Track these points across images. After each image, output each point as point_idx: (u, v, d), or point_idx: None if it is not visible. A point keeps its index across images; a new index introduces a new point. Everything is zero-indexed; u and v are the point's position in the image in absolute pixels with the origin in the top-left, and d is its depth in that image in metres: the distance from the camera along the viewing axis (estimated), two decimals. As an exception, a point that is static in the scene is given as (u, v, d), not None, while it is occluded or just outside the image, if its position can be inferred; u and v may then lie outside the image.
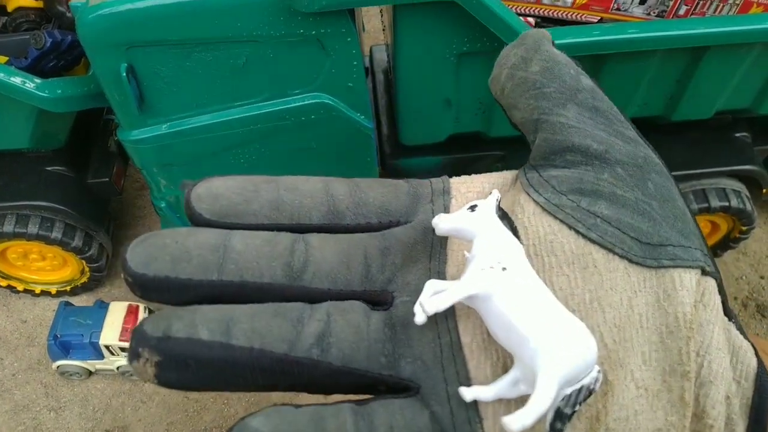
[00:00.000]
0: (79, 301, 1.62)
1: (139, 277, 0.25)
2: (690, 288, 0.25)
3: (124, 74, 0.99)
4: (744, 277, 1.66)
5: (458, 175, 0.30)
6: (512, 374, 0.23)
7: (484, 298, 0.23)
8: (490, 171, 0.31)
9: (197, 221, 0.27)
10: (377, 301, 0.26)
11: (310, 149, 1.19)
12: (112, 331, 1.41)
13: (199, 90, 1.05)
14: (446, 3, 0.91)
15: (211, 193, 0.27)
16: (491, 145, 1.31)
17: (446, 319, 0.25)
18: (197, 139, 1.13)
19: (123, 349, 1.41)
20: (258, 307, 0.25)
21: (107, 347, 1.40)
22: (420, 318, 0.24)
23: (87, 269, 1.55)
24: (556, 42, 0.31)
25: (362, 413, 0.23)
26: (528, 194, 0.27)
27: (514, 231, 0.26)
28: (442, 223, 0.26)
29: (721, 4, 1.08)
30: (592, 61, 1.06)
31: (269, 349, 0.23)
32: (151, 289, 0.25)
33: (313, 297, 0.26)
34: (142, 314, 1.45)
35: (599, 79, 1.13)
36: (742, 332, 0.26)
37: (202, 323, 0.24)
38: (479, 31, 0.97)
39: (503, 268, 0.23)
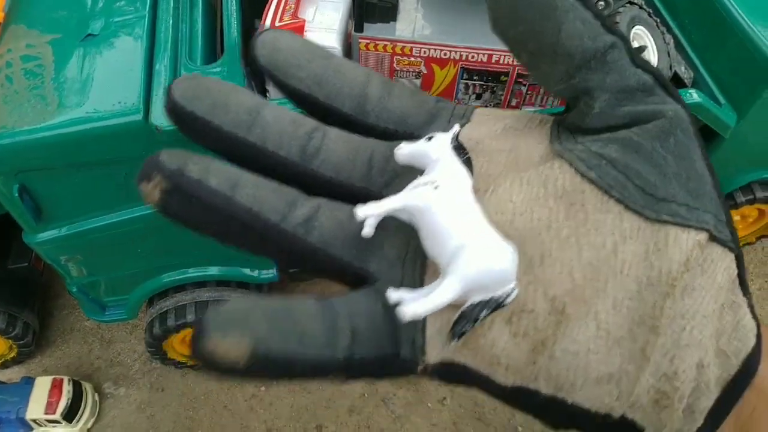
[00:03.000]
0: (11, 372, 1.72)
1: (179, 108, 0.27)
2: (684, 248, 0.24)
3: (17, 195, 1.12)
4: None
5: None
6: (437, 282, 0.24)
7: (413, 212, 0.25)
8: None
9: (252, 63, 0.30)
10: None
11: (200, 236, 1.32)
12: (38, 405, 1.53)
13: (88, 201, 1.18)
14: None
15: (274, 45, 0.29)
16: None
17: None
18: (96, 238, 1.26)
19: (50, 421, 1.53)
20: (263, 180, 0.27)
21: (34, 420, 1.52)
22: (358, 218, 0.26)
23: (14, 346, 1.66)
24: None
25: (323, 301, 0.25)
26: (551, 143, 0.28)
27: (467, 162, 0.26)
28: (399, 151, 0.27)
29: (546, 96, 1.24)
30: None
31: (264, 216, 0.26)
32: (184, 122, 0.28)
33: (317, 181, 0.28)
34: (66, 387, 1.56)
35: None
36: (753, 313, 0.26)
37: (214, 173, 0.26)
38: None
39: (435, 186, 0.25)
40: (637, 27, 1.21)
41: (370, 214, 0.25)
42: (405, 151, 0.27)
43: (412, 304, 0.23)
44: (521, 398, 0.26)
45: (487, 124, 0.29)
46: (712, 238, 0.25)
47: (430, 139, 0.26)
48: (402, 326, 0.25)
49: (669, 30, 1.32)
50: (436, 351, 0.25)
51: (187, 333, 1.54)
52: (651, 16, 1.24)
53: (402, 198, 0.25)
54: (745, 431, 0.26)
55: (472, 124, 0.29)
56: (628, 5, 1.19)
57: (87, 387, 1.63)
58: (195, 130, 0.28)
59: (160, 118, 1.00)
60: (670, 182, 0.25)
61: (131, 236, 1.28)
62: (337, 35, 1.14)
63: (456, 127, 0.27)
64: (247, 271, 1.45)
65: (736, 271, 0.26)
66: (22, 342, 1.64)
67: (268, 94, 1.25)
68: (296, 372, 0.24)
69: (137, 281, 1.44)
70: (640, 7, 1.23)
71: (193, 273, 1.43)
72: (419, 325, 0.25)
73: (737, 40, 1.20)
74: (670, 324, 0.24)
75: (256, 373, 0.23)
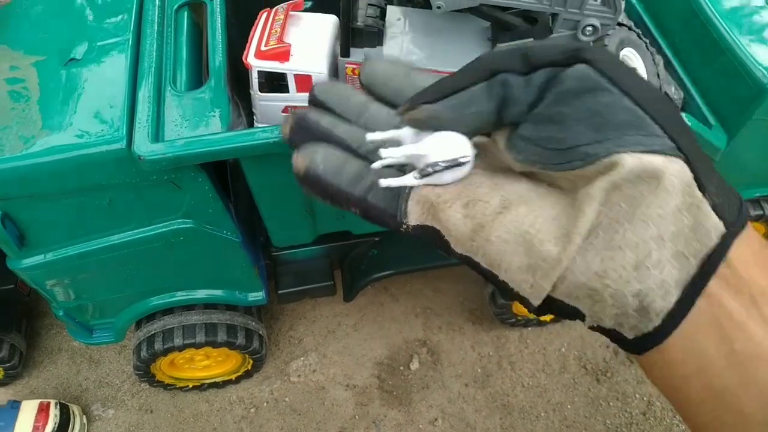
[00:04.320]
0: (-3, 394, 1.71)
1: (315, 98, 0.43)
2: (595, 175, 0.29)
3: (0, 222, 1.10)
4: None
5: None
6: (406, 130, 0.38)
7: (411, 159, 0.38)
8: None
9: (361, 81, 0.43)
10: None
11: (188, 261, 1.31)
12: (24, 430, 1.51)
13: (71, 228, 1.17)
14: (283, 154, 1.03)
15: (372, 71, 0.42)
16: (362, 236, 1.45)
17: None
18: (79, 264, 1.24)
19: (35, 447, 1.51)
20: (356, 160, 0.39)
21: (19, 446, 1.50)
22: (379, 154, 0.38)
23: (1, 368, 1.64)
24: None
25: (365, 163, 0.39)
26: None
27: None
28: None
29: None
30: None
31: (347, 143, 0.40)
32: (323, 98, 0.42)
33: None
34: (53, 410, 1.54)
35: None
36: (720, 212, 0.28)
37: (323, 119, 0.41)
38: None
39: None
40: (626, 49, 1.20)
41: (385, 156, 0.37)
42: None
43: (390, 150, 0.37)
44: (469, 264, 0.34)
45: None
46: (650, 152, 0.28)
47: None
48: (401, 196, 0.36)
49: (659, 50, 1.31)
50: (415, 217, 0.36)
51: (175, 356, 1.52)
52: (640, 38, 1.23)
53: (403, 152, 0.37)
54: (729, 339, 0.27)
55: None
56: (617, 27, 1.18)
57: (75, 409, 1.61)
58: (324, 106, 0.42)
59: (142, 146, 0.98)
60: (570, 128, 0.30)
61: (117, 261, 1.26)
62: (324, 59, 1.13)
63: None
64: (235, 293, 1.44)
65: (690, 175, 0.28)
66: (8, 365, 1.62)
67: (255, 117, 1.24)
68: (329, 193, 0.37)
69: (124, 305, 1.42)
70: (630, 29, 1.22)
71: (180, 296, 1.41)
72: (405, 196, 0.36)
73: (727, 59, 1.19)
74: (599, 230, 0.28)
75: (309, 184, 0.38)
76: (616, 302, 0.28)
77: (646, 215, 0.27)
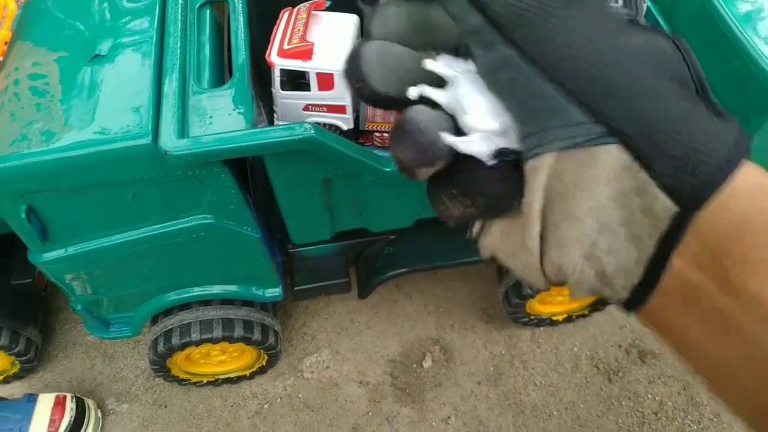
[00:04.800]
0: (12, 388, 1.72)
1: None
2: (533, 171, 0.29)
3: (23, 216, 1.11)
4: (627, 326, 1.83)
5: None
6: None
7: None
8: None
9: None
10: None
11: (207, 256, 1.32)
12: (41, 423, 1.52)
13: (94, 222, 1.18)
14: (304, 151, 1.05)
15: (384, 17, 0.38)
16: (378, 234, 1.46)
17: None
18: (99, 258, 1.25)
19: (51, 440, 1.52)
20: None
21: (37, 439, 1.51)
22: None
23: (16, 362, 1.66)
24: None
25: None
26: None
27: None
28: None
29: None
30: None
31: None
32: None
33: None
34: (69, 404, 1.56)
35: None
36: (672, 191, 0.27)
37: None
38: (335, 164, 1.12)
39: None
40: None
41: (430, 67, 0.34)
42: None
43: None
44: None
45: None
46: (572, 146, 0.27)
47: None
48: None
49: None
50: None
51: (191, 351, 1.53)
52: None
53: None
54: (701, 313, 0.28)
55: None
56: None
57: (90, 403, 1.62)
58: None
59: (169, 142, 0.99)
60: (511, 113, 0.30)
61: (137, 256, 1.27)
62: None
63: None
64: (252, 289, 1.45)
65: (627, 158, 0.27)
66: (24, 358, 1.63)
67: (276, 114, 1.25)
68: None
69: (142, 299, 1.43)
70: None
71: (198, 292, 1.43)
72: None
73: (742, 63, 1.20)
74: (547, 231, 0.29)
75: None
76: (581, 286, 0.30)
77: (579, 211, 0.28)
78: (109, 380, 1.74)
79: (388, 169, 1.13)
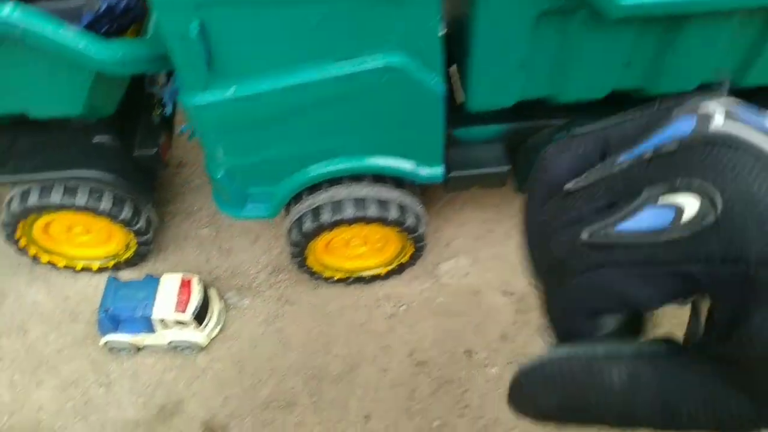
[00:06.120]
0: (122, 277, 1.58)
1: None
2: None
3: (195, 33, 0.95)
4: None
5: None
6: None
7: None
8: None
9: None
10: None
11: (376, 115, 1.15)
12: (166, 303, 1.38)
13: (270, 49, 1.02)
14: None
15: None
16: (555, 112, 1.28)
17: None
18: (264, 104, 1.09)
19: (178, 322, 1.38)
20: None
21: (161, 320, 1.38)
22: None
23: (133, 243, 1.52)
24: None
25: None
26: None
27: None
28: None
29: None
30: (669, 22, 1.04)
31: None
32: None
33: None
34: (196, 286, 1.42)
35: (675, 43, 1.09)
36: None
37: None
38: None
39: None
40: None
41: None
42: None
43: None
44: None
45: None
46: None
47: None
48: None
49: None
50: None
51: (335, 236, 1.38)
52: None
53: None
54: None
55: None
56: None
57: (213, 292, 1.49)
58: None
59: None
60: None
61: (304, 108, 1.11)
62: None
63: None
64: (410, 165, 1.28)
65: None
66: (143, 238, 1.50)
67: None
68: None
69: (291, 169, 1.27)
70: None
71: (351, 164, 1.26)
72: None
73: None
74: None
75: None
76: None
77: None
78: (228, 275, 1.60)
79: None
